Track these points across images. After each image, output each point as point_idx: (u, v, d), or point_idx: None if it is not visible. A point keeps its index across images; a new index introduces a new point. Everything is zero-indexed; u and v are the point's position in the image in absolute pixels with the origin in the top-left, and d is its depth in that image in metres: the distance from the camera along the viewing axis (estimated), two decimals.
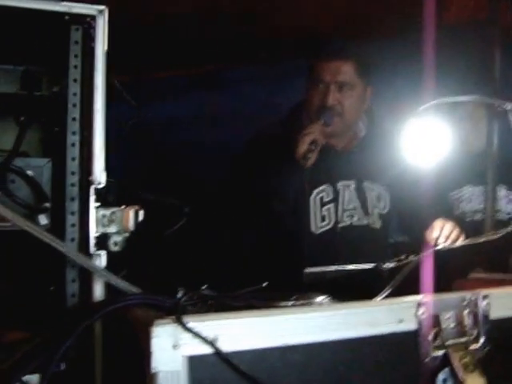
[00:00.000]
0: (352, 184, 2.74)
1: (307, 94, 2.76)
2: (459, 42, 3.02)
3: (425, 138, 2.39)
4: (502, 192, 3.05)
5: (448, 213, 2.85)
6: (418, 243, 2.37)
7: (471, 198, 3.04)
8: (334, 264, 2.09)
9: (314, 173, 2.64)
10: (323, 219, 2.69)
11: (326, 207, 2.70)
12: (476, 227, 2.83)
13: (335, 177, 2.73)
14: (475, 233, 2.61)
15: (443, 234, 2.51)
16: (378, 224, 2.78)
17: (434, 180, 2.49)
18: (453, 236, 2.52)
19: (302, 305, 1.50)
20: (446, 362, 1.41)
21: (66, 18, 1.49)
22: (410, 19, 2.88)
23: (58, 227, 1.51)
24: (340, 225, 2.69)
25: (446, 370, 1.41)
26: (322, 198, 2.70)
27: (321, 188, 2.70)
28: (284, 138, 2.73)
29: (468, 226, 2.84)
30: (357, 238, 2.72)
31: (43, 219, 1.50)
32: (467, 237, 2.49)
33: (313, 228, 2.67)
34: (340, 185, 2.72)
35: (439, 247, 1.88)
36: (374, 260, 2.26)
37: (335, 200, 2.71)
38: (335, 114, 2.67)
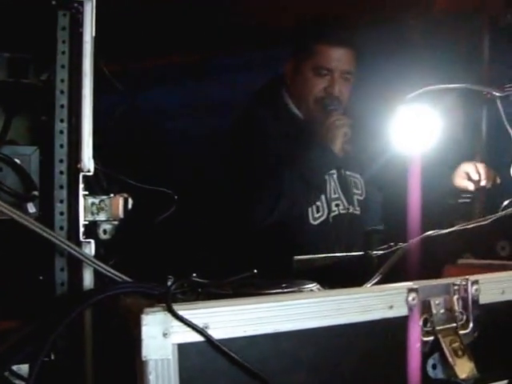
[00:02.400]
0: (334, 173, 2.74)
1: (305, 79, 2.71)
2: (448, 29, 3.02)
3: (413, 126, 2.40)
4: None
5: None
6: (400, 231, 2.39)
7: None
8: (330, 253, 2.09)
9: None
10: (318, 210, 2.68)
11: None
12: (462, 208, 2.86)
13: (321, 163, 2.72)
14: (461, 214, 2.64)
15: (482, 176, 2.56)
16: (358, 210, 2.80)
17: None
18: (491, 175, 2.58)
19: (292, 292, 1.51)
20: (436, 346, 1.42)
21: (53, 2, 1.47)
22: (399, 7, 2.88)
23: (46, 215, 1.50)
24: (331, 214, 2.70)
25: (436, 355, 1.42)
26: None
27: None
28: (275, 120, 2.71)
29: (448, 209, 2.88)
30: (345, 226, 2.74)
31: (31, 208, 1.49)
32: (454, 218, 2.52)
33: (311, 219, 2.67)
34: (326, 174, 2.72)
35: (428, 233, 1.88)
36: (358, 246, 2.27)
37: (324, 190, 2.71)
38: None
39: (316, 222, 2.68)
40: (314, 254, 2.09)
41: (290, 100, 2.77)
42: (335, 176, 2.74)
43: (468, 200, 2.88)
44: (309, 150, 2.59)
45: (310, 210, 2.66)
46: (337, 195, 2.73)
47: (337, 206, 2.73)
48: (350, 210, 2.77)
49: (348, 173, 2.78)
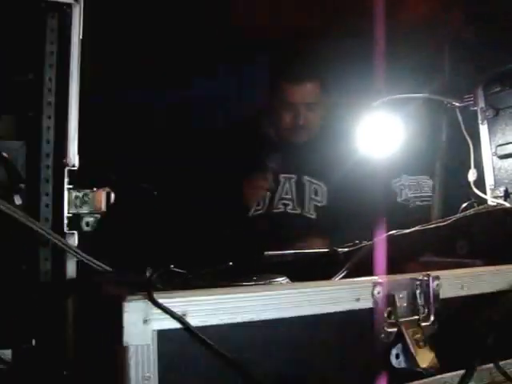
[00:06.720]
0: (293, 178, 2.91)
1: (275, 111, 2.99)
2: (411, 40, 3.13)
3: (377, 133, 2.50)
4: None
5: (392, 199, 3.03)
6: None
7: (410, 186, 3.20)
8: (268, 245, 2.21)
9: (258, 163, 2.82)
10: (258, 204, 2.89)
11: None
12: (420, 211, 2.98)
13: (278, 169, 2.96)
14: (420, 216, 2.75)
15: None
16: (313, 214, 2.94)
17: (379, 168, 2.63)
18: None
19: (266, 284, 1.57)
20: (399, 337, 1.49)
21: (43, 5, 1.52)
22: (362, 17, 2.97)
23: (32, 207, 1.55)
24: (274, 211, 2.88)
25: (399, 345, 1.49)
26: None
27: None
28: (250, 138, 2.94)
29: (412, 211, 3.01)
30: (290, 225, 2.94)
31: (18, 199, 1.53)
32: (413, 220, 2.62)
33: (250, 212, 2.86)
34: (282, 177, 2.95)
35: (392, 232, 1.97)
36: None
37: (274, 189, 2.88)
38: (304, 131, 2.92)
39: (252, 214, 2.91)
40: (252, 242, 2.36)
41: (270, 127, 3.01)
42: (293, 180, 2.94)
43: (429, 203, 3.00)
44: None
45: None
46: (289, 196, 2.94)
47: (284, 204, 2.92)
48: (299, 212, 2.93)
49: (309, 179, 2.95)
